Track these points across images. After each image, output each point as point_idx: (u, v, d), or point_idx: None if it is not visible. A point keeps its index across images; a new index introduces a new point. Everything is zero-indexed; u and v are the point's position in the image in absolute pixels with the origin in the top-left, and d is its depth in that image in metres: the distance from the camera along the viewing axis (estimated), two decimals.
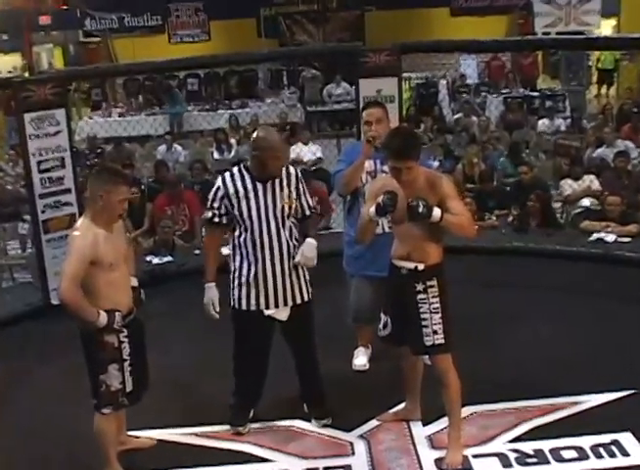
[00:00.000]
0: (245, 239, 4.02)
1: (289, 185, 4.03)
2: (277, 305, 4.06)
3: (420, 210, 3.53)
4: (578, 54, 14.98)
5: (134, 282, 3.90)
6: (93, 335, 3.64)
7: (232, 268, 4.11)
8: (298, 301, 4.10)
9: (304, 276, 4.13)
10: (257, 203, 3.98)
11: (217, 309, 4.09)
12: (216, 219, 4.07)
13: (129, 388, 3.73)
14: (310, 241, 4.11)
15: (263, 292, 4.03)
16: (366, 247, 4.46)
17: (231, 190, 4.00)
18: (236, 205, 3.99)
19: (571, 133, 11.64)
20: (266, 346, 4.17)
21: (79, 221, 3.71)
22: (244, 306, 4.07)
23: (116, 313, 3.63)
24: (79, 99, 16.67)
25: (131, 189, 3.72)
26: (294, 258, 4.04)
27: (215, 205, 4.05)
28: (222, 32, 17.89)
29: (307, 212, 4.16)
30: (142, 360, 3.84)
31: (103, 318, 3.58)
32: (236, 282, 4.08)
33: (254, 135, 4.01)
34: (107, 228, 3.64)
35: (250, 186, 3.99)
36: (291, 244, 4.05)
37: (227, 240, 4.20)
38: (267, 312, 4.06)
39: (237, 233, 4.06)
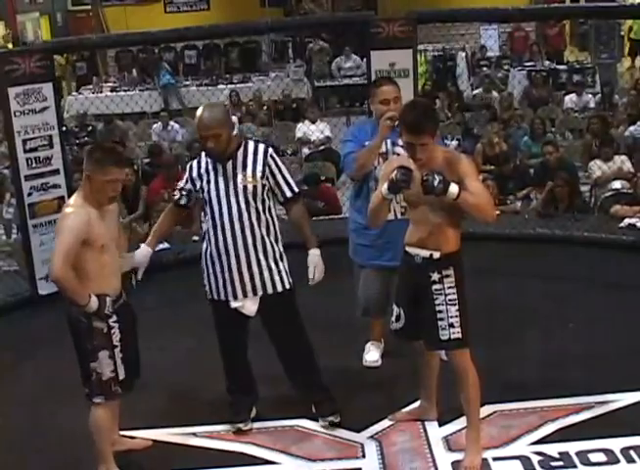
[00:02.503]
0: (208, 223, 4.09)
1: (254, 163, 4.02)
2: (245, 295, 4.06)
3: (435, 183, 3.51)
4: (610, 23, 14.88)
5: (126, 266, 3.99)
6: (81, 321, 3.70)
7: (202, 256, 4.17)
8: (270, 290, 4.08)
9: (278, 264, 4.10)
10: (217, 184, 4.02)
11: (137, 275, 4.09)
12: (182, 201, 4.16)
13: (122, 375, 3.79)
14: (314, 252, 4.12)
15: (229, 278, 4.05)
16: (376, 235, 4.47)
17: (195, 172, 4.10)
18: (199, 187, 4.07)
19: (600, 110, 11.60)
20: (240, 336, 4.21)
21: (72, 198, 3.78)
22: (214, 296, 4.14)
23: (107, 298, 3.71)
24: (69, 73, 16.66)
25: (123, 170, 3.77)
26: (263, 244, 4.03)
27: (182, 186, 4.16)
28: (222, 1, 17.84)
29: (288, 194, 4.12)
30: (133, 346, 3.90)
31: (94, 303, 3.66)
32: (204, 270, 4.15)
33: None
34: (99, 209, 3.71)
35: (211, 167, 4.05)
36: (257, 228, 4.03)
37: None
38: (233, 305, 4.09)
39: (203, 219, 4.16)
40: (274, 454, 4.08)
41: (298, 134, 11.06)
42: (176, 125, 11.74)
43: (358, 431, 4.21)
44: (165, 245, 7.01)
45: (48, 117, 6.07)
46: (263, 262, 4.05)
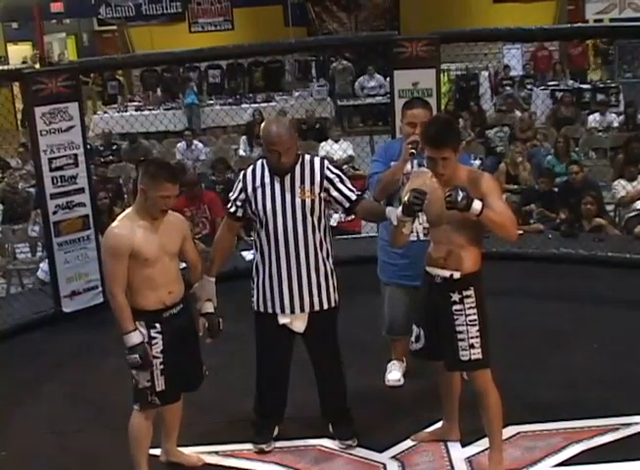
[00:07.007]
0: (261, 235, 4.05)
1: (312, 177, 4.01)
2: (292, 310, 4.04)
3: (459, 198, 3.50)
4: (634, 43, 14.85)
5: (209, 308, 4.01)
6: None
7: (253, 268, 4.16)
8: (317, 307, 4.07)
9: (328, 281, 4.09)
10: (273, 196, 4.00)
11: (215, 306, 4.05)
12: (239, 213, 4.10)
13: (160, 387, 3.80)
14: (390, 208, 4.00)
15: (278, 292, 4.03)
16: (400, 254, 4.47)
17: (249, 184, 4.05)
18: (252, 199, 4.03)
19: (624, 130, 11.54)
20: (284, 354, 4.17)
21: (127, 210, 3.88)
22: (261, 308, 4.11)
23: (140, 324, 3.74)
24: (95, 92, 16.83)
25: (177, 186, 3.78)
26: (316, 260, 4.02)
27: (236, 197, 4.10)
28: (246, 21, 17.98)
29: (353, 197, 4.06)
30: (185, 359, 3.89)
31: (132, 338, 3.69)
32: (254, 282, 4.13)
33: (262, 128, 4.04)
34: (151, 222, 3.77)
35: (267, 180, 4.02)
36: (311, 243, 4.01)
37: (251, 244, 4.21)
38: (282, 321, 4.07)
39: (256, 231, 4.10)
40: None
41: (321, 153, 11.08)
42: (200, 144, 11.79)
43: (380, 451, 4.19)
44: None
45: (73, 137, 6.13)
46: (314, 279, 4.03)
